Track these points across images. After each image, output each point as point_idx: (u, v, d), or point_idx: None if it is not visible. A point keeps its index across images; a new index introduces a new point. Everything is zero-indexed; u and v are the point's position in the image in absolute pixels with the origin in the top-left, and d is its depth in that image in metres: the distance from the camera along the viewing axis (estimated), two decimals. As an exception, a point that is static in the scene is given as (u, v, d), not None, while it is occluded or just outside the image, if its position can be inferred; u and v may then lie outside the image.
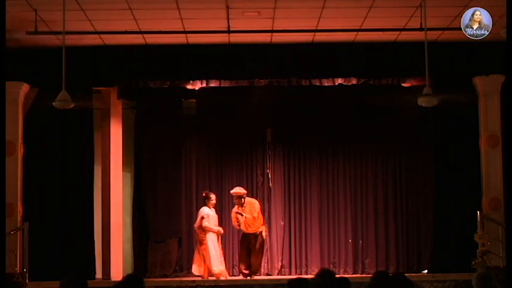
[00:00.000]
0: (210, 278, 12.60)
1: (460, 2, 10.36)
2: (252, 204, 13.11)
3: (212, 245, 12.78)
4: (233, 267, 13.84)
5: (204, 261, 12.77)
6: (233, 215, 13.09)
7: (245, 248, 13.02)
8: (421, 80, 11.47)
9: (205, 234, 12.82)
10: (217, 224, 13.08)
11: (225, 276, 12.77)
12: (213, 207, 13.08)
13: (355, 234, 14.04)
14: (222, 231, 13.05)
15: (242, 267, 13.03)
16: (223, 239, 13.37)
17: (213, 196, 13.10)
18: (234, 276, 13.48)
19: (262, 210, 13.52)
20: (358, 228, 14.08)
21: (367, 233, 14.03)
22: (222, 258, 12.99)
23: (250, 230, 12.95)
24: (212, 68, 12.56)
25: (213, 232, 12.87)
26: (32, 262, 11.98)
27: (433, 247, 13.51)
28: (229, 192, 13.61)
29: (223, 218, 13.65)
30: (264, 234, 13.10)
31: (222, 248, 13.13)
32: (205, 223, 12.82)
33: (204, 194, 13.21)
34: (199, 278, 12.61)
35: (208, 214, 12.90)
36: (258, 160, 14.27)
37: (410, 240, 13.93)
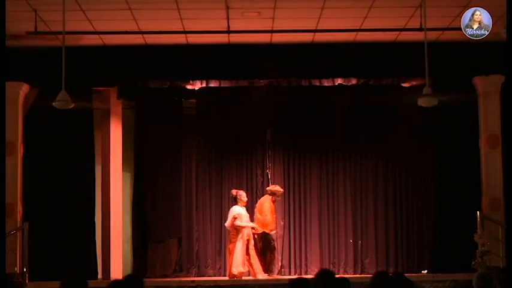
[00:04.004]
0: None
1: (460, 2, 10.37)
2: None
3: (241, 246, 12.55)
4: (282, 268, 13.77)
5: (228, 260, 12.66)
6: (271, 206, 12.96)
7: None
8: (421, 80, 11.46)
9: (237, 234, 12.63)
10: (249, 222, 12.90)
11: (240, 277, 12.45)
12: (244, 206, 12.86)
13: (355, 234, 14.02)
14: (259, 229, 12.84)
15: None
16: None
17: (243, 194, 12.92)
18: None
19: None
20: (358, 228, 14.06)
21: (367, 233, 14.01)
22: (248, 259, 12.62)
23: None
24: (212, 68, 12.57)
25: (251, 227, 12.68)
26: (32, 262, 11.98)
27: (433, 247, 13.50)
28: (229, 192, 13.59)
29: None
30: None
31: (254, 247, 12.80)
32: (237, 222, 12.60)
33: (234, 193, 12.93)
34: (200, 278, 12.59)
35: (239, 213, 12.68)
36: (258, 160, 14.24)
37: (410, 240, 13.92)
